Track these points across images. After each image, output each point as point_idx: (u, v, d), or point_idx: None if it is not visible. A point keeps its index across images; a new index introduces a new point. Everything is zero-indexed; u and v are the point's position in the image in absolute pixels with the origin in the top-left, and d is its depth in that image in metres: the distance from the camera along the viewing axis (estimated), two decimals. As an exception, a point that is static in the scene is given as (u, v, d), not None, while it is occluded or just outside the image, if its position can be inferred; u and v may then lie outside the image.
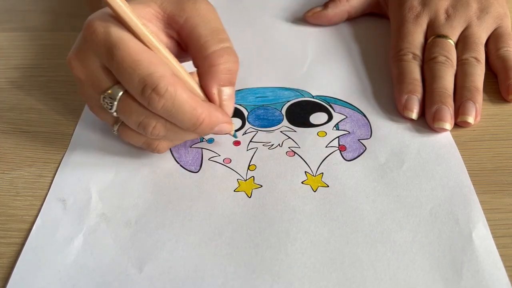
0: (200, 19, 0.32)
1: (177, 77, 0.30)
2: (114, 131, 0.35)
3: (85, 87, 0.33)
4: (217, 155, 0.37)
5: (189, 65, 0.34)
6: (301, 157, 0.36)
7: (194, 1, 0.32)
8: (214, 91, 0.32)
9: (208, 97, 0.33)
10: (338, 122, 0.39)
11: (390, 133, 0.38)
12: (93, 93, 0.32)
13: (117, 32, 0.30)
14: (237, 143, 0.37)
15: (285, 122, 0.39)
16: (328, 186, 0.34)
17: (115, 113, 0.32)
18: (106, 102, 0.32)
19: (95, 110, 0.34)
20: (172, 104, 0.30)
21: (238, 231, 0.31)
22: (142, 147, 0.35)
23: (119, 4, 0.29)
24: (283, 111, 0.40)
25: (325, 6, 0.49)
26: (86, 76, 0.32)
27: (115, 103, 0.31)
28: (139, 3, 0.32)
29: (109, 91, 0.31)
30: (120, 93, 0.31)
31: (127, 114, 0.32)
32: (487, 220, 0.31)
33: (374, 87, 0.42)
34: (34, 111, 0.41)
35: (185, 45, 0.33)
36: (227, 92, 0.33)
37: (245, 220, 0.32)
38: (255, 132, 0.38)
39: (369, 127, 0.38)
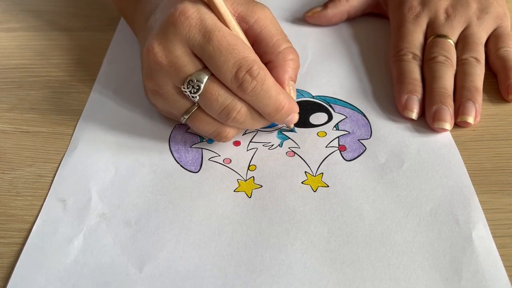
0: (269, 21, 0.35)
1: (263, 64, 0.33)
2: (183, 119, 0.35)
3: (162, 74, 0.33)
4: (217, 155, 0.37)
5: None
6: (301, 157, 0.36)
7: (262, 7, 0.35)
8: (287, 82, 0.35)
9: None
10: (338, 122, 0.39)
11: (390, 133, 0.38)
12: (172, 80, 0.33)
13: (212, 18, 0.32)
14: (237, 143, 0.37)
15: (285, 122, 0.39)
16: (328, 186, 0.34)
17: (197, 98, 0.33)
18: (192, 86, 0.33)
19: (166, 98, 0.35)
20: (261, 87, 0.32)
21: (238, 231, 0.31)
22: (210, 136, 0.36)
23: None
24: (283, 111, 0.40)
25: (325, 6, 0.49)
26: (170, 61, 0.33)
27: (202, 85, 0.32)
28: None
29: (195, 75, 0.33)
30: (207, 77, 0.33)
31: (213, 98, 0.33)
32: (487, 220, 0.31)
33: (374, 87, 0.42)
34: (34, 111, 0.41)
35: (251, 43, 0.35)
36: (293, 86, 0.36)
37: (245, 220, 0.32)
38: (255, 132, 0.38)
39: (369, 127, 0.38)
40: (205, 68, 0.33)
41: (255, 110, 0.34)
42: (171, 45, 0.32)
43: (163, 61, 0.33)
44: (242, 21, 0.35)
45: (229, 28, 0.33)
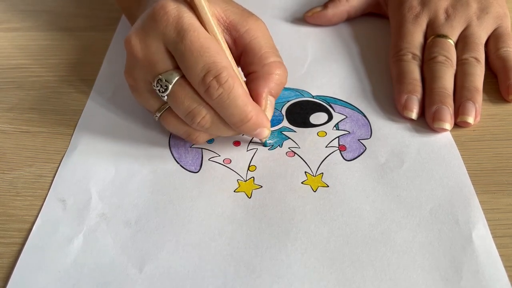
0: (261, 33, 0.34)
1: (235, 72, 0.32)
2: (156, 117, 0.35)
3: (138, 68, 0.33)
4: (217, 155, 0.37)
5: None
6: (301, 158, 0.36)
7: (256, 18, 0.35)
8: (264, 95, 0.34)
9: (256, 101, 0.33)
10: (338, 122, 0.39)
11: (390, 133, 0.38)
12: (145, 75, 0.33)
13: (190, 18, 0.32)
14: (237, 143, 0.37)
15: (285, 122, 0.39)
16: (328, 186, 0.34)
17: (166, 97, 0.33)
18: (160, 85, 0.32)
19: (140, 93, 0.35)
20: (228, 95, 0.31)
21: (238, 231, 0.31)
22: (181, 136, 0.36)
23: None
24: (283, 111, 0.40)
25: (325, 6, 0.49)
26: (144, 56, 0.32)
27: (170, 86, 0.32)
28: (207, 1, 0.33)
29: (166, 74, 0.32)
30: (177, 78, 0.32)
31: (179, 100, 0.32)
32: (487, 220, 0.31)
33: (374, 87, 0.42)
34: (34, 111, 0.41)
35: (239, 52, 0.35)
36: (272, 101, 0.35)
37: (245, 220, 0.32)
38: (255, 132, 0.38)
39: (369, 127, 0.38)
40: (177, 68, 0.32)
41: (222, 118, 0.33)
42: (148, 39, 0.32)
43: (139, 54, 0.33)
44: (233, 29, 0.34)
45: (207, 31, 0.32)
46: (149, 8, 0.36)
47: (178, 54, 0.32)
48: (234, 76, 0.32)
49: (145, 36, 0.32)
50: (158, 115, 0.35)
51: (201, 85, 0.31)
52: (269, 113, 0.34)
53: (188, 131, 0.35)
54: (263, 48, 0.34)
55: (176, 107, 0.33)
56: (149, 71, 0.33)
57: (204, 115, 0.32)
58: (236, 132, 0.35)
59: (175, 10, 0.32)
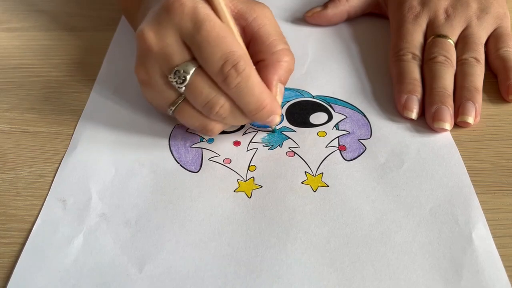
0: (268, 21, 0.35)
1: (251, 61, 0.33)
2: (170, 110, 0.35)
3: (152, 61, 0.33)
4: (217, 155, 0.37)
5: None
6: (301, 157, 0.36)
7: (263, 6, 0.36)
8: (275, 83, 0.34)
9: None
10: (338, 122, 0.39)
11: (390, 133, 0.38)
12: (161, 68, 0.33)
13: (205, 9, 0.32)
14: (237, 143, 0.37)
15: (285, 122, 0.39)
16: (328, 186, 0.34)
17: (183, 89, 0.33)
18: (178, 76, 0.32)
19: (153, 88, 0.35)
20: (245, 84, 0.32)
21: (238, 231, 0.31)
22: (196, 129, 0.36)
23: None
24: (283, 111, 0.40)
25: (325, 6, 0.49)
26: (160, 48, 0.32)
27: (188, 77, 0.32)
28: None
29: (183, 65, 0.32)
30: (194, 68, 0.32)
31: (198, 91, 0.33)
32: (487, 220, 0.31)
33: (374, 87, 0.42)
34: (34, 111, 0.41)
35: (248, 40, 0.35)
36: (281, 88, 0.35)
37: (245, 220, 0.32)
38: (255, 133, 0.38)
39: (369, 127, 0.38)
40: (194, 59, 0.33)
41: (239, 107, 0.33)
42: (163, 31, 0.32)
43: (154, 46, 0.32)
44: (241, 18, 0.35)
45: (221, 21, 0.32)
46: (153, 5, 0.36)
47: (195, 45, 0.32)
48: (251, 64, 0.32)
49: (160, 28, 0.32)
50: (173, 108, 0.35)
51: (220, 74, 0.32)
52: (279, 100, 0.35)
53: (204, 122, 0.35)
54: (271, 35, 0.35)
55: (194, 98, 0.33)
56: (165, 63, 0.33)
57: (222, 104, 0.33)
58: (250, 120, 0.35)
59: (190, 2, 0.32)
